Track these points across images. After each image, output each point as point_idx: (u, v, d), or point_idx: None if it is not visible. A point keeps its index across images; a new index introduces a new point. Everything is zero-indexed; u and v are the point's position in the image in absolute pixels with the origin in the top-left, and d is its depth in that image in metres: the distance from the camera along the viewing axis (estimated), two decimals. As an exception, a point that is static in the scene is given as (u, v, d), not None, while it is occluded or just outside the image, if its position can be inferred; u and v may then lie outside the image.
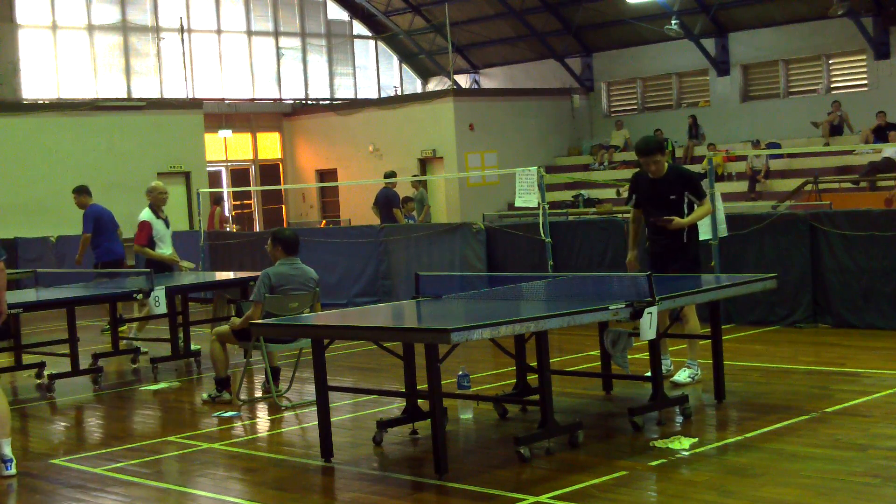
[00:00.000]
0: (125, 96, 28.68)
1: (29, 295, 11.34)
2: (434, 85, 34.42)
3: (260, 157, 31.90)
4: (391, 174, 20.15)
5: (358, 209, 28.88)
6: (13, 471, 7.15)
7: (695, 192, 8.71)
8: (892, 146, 22.21)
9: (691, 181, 8.76)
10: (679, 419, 7.63)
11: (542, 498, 6.00)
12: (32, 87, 27.56)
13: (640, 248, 9.19)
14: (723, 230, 11.69)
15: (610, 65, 30.83)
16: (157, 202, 12.54)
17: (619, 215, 16.07)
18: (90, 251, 13.88)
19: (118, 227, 14.14)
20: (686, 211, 8.71)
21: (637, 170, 9.12)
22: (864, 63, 26.26)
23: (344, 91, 33.64)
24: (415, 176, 20.99)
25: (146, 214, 12.44)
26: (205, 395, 9.48)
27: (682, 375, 8.81)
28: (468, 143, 28.19)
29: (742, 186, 24.73)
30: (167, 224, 12.66)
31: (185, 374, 11.18)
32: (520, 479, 6.44)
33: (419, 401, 7.55)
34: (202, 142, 27.30)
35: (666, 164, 8.77)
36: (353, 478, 6.77)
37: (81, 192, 14.24)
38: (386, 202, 19.02)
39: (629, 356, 7.67)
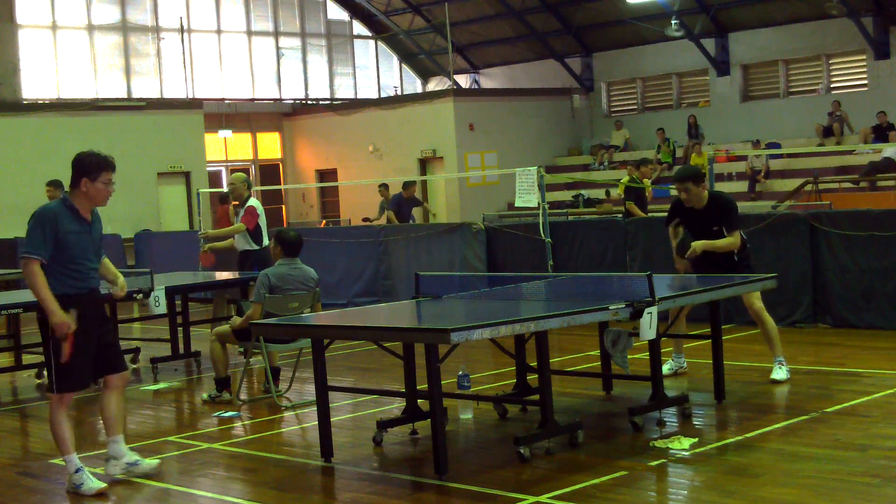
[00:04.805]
0: (125, 96, 28.66)
1: (29, 295, 11.29)
2: (434, 85, 34.40)
3: (260, 157, 31.88)
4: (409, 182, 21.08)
5: (358, 209, 28.88)
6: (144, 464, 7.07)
7: (727, 222, 8.74)
8: (892, 146, 22.21)
9: (726, 211, 8.81)
10: (679, 419, 7.63)
11: (542, 498, 6.00)
12: (32, 87, 27.52)
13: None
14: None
15: (610, 65, 30.81)
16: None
17: (618, 215, 16.07)
18: None
19: None
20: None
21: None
22: (864, 63, 26.23)
23: (344, 91, 33.63)
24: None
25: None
26: (205, 395, 9.48)
27: (780, 374, 8.78)
28: (468, 143, 28.18)
29: (742, 186, 24.71)
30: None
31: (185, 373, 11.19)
32: (520, 479, 6.44)
33: (419, 401, 7.55)
34: (202, 142, 27.28)
35: (706, 194, 8.83)
36: (353, 478, 6.77)
37: (59, 185, 14.18)
38: (412, 205, 20.42)
39: (629, 356, 7.67)
